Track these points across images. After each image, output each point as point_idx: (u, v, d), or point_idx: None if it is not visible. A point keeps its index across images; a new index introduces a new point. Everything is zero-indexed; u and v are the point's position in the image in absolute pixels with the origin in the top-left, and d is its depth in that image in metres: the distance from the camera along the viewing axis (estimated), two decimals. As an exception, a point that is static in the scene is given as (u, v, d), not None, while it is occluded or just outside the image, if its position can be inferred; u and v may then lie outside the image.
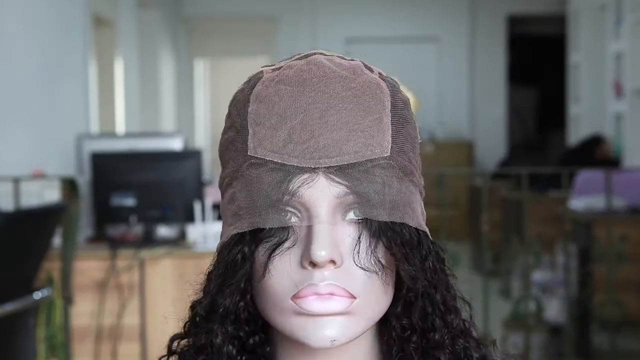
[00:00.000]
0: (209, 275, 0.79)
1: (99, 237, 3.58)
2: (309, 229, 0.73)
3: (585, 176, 5.35)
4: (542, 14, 9.84)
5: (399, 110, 0.77)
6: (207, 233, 3.42)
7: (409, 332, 0.79)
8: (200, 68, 10.20)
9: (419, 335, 0.79)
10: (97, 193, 3.57)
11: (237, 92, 0.80)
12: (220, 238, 0.79)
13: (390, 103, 0.77)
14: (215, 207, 3.56)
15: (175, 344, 0.83)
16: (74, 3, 5.25)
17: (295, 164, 0.73)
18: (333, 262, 0.72)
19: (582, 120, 8.00)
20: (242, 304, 0.77)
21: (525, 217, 4.62)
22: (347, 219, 0.74)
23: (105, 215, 3.55)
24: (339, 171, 0.73)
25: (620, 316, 4.14)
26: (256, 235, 0.75)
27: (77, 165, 4.04)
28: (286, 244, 0.74)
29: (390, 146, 0.75)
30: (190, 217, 3.52)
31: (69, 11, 5.15)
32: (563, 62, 9.26)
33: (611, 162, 6.63)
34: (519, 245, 4.65)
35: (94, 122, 5.51)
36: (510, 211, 6.23)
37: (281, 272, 0.74)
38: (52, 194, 3.67)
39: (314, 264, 0.72)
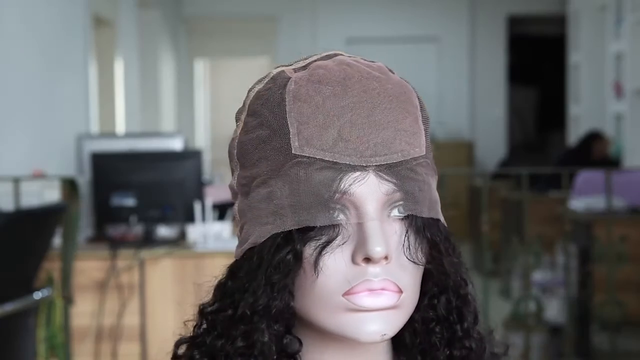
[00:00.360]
0: (244, 275, 0.77)
1: (99, 237, 3.58)
2: (360, 226, 0.74)
3: (585, 176, 5.35)
4: (542, 14, 9.83)
5: (424, 110, 0.81)
6: (207, 233, 3.42)
7: (433, 323, 0.81)
8: (200, 68, 10.19)
9: (444, 326, 0.81)
10: (97, 193, 3.57)
11: (261, 91, 0.79)
12: (246, 237, 0.78)
13: (418, 104, 0.80)
14: (216, 207, 3.56)
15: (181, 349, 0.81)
16: (74, 3, 5.25)
17: (348, 162, 0.74)
18: (386, 257, 0.73)
19: (582, 121, 8.00)
20: (292, 303, 0.76)
21: (525, 217, 4.62)
22: (391, 215, 0.76)
23: (105, 215, 3.55)
24: (388, 169, 0.75)
25: (620, 316, 4.14)
26: (304, 234, 0.75)
27: (77, 165, 4.04)
28: (336, 242, 0.74)
29: (425, 145, 0.79)
30: (190, 217, 3.52)
31: (69, 11, 5.15)
32: (563, 62, 9.26)
33: (610, 161, 6.63)
34: (519, 245, 4.65)
35: (94, 122, 5.51)
36: (510, 211, 6.23)
37: (332, 269, 0.74)
38: (52, 194, 3.67)
39: (368, 260, 0.73)
